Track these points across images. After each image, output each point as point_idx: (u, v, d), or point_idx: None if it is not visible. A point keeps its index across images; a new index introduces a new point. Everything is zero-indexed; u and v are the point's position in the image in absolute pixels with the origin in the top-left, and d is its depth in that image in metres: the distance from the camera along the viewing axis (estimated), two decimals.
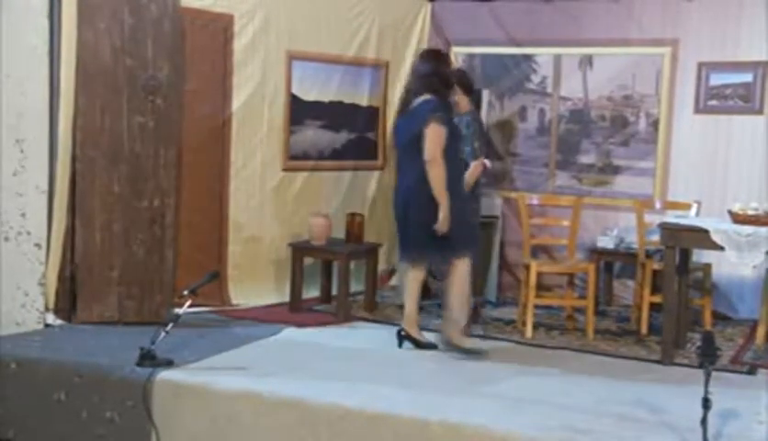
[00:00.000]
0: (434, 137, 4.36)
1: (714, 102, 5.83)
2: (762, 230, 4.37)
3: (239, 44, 5.45)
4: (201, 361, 4.21)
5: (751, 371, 4.54)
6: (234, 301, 5.50)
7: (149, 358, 4.04)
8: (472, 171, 4.99)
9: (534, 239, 5.53)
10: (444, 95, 4.50)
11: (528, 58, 6.37)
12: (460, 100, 5.10)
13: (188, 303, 4.23)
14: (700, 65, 5.82)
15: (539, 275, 5.24)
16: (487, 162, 6.07)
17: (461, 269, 4.56)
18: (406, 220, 4.55)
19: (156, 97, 4.79)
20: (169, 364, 4.07)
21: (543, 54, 6.34)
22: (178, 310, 4.25)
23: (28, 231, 4.62)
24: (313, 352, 4.62)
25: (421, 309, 5.20)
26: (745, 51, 5.69)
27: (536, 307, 5.26)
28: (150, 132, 4.81)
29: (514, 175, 6.48)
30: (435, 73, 4.49)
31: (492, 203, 6.17)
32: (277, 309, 5.51)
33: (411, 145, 4.47)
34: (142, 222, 4.83)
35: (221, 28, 5.33)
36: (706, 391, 3.26)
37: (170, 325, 4.13)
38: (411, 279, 4.67)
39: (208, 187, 5.41)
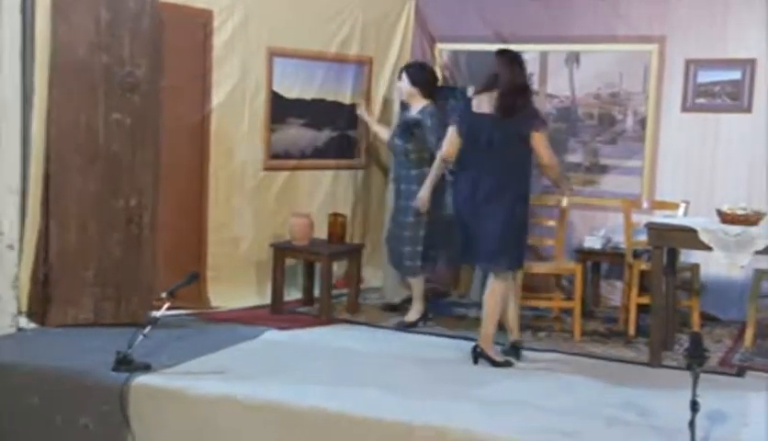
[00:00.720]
0: (546, 143, 4.50)
1: (702, 100, 5.86)
2: (751, 229, 4.40)
3: (218, 40, 5.43)
4: (180, 365, 4.20)
5: (740, 373, 4.58)
6: (214, 303, 5.48)
7: (125, 362, 4.02)
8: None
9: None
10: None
11: None
12: (413, 93, 5.34)
13: (167, 305, 4.22)
14: (688, 62, 5.85)
15: (525, 275, 5.24)
16: None
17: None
18: (505, 223, 4.44)
19: (134, 94, 4.77)
20: (146, 368, 4.05)
21: (529, 51, 6.32)
22: (156, 313, 4.24)
23: (1, 232, 4.57)
24: (295, 354, 4.61)
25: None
26: (734, 48, 5.72)
27: (523, 308, 5.25)
28: (127, 130, 4.78)
29: None
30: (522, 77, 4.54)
31: None
32: (258, 311, 5.50)
33: (506, 146, 4.43)
34: (119, 222, 4.81)
35: (201, 23, 5.31)
36: (695, 394, 3.27)
37: (148, 328, 4.12)
38: (496, 293, 4.50)
39: (187, 186, 5.39)
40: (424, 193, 5.17)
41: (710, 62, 5.79)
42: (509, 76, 4.46)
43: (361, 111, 5.96)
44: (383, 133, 5.82)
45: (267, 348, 4.72)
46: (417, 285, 5.43)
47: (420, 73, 5.43)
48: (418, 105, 5.34)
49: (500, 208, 4.42)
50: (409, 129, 5.33)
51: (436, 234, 5.38)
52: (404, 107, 5.67)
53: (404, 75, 5.41)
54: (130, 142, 4.80)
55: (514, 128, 4.44)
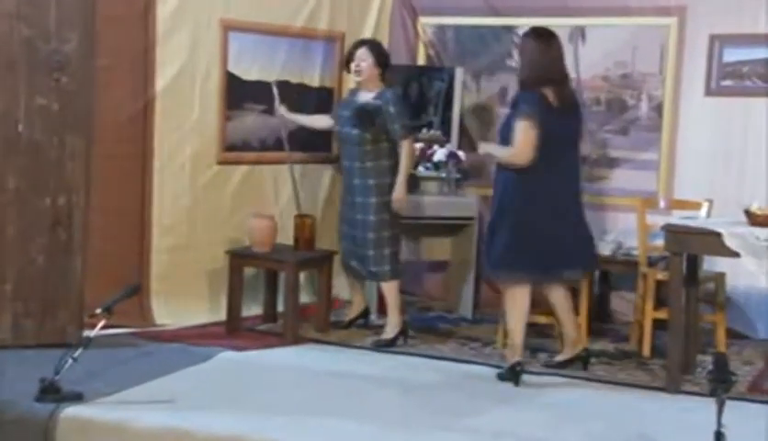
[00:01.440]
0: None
1: (728, 82, 5.87)
2: None
3: (163, 11, 5.40)
4: (118, 394, 4.18)
5: None
6: (159, 321, 5.47)
7: (52, 391, 3.98)
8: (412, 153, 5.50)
9: None
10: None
11: (510, 30, 6.37)
12: (374, 74, 5.39)
13: (102, 323, 4.19)
14: (712, 38, 5.86)
15: None
16: (460, 153, 6.10)
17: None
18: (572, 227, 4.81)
19: (61, 75, 4.72)
20: (77, 398, 4.01)
21: (527, 26, 6.29)
22: (89, 332, 4.21)
23: None
24: (254, 380, 4.60)
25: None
26: (765, 22, 5.73)
27: None
28: (54, 117, 4.74)
29: (494, 170, 6.45)
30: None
31: (468, 203, 6.16)
32: (212, 329, 5.48)
33: (571, 141, 4.81)
34: (44, 224, 4.77)
35: None
36: (720, 424, 3.26)
37: (78, 350, 4.08)
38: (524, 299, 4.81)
39: (127, 183, 5.36)
40: (402, 193, 5.30)
41: (738, 37, 5.80)
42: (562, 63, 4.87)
43: (283, 112, 5.83)
44: (321, 122, 5.85)
45: (222, 373, 4.70)
46: (391, 293, 5.43)
47: (384, 53, 5.51)
48: (374, 89, 5.38)
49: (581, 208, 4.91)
50: (368, 116, 5.34)
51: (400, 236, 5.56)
52: (352, 91, 5.66)
53: (367, 53, 5.38)
54: (58, 132, 4.75)
55: (576, 121, 4.85)
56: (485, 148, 4.95)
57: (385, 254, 5.39)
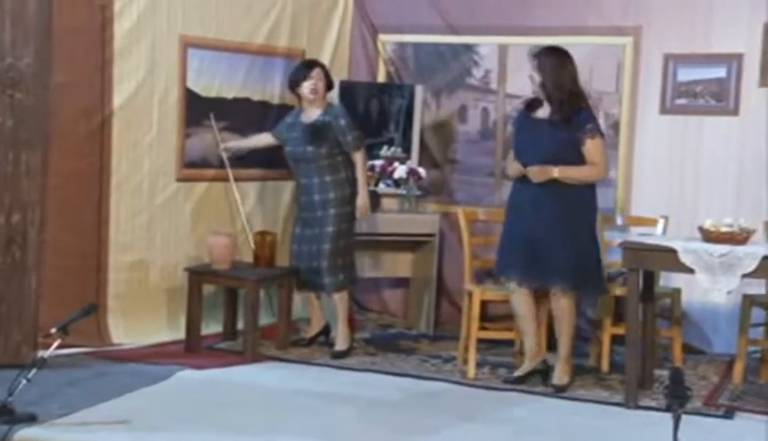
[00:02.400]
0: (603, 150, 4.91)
1: (683, 100, 5.93)
2: (738, 249, 4.44)
3: (121, 27, 5.36)
4: (73, 415, 4.12)
5: (728, 414, 4.61)
6: (116, 340, 5.41)
7: (5, 413, 3.91)
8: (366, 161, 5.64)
9: (477, 261, 5.52)
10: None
11: (469, 48, 6.40)
12: (323, 94, 5.55)
13: (57, 343, 4.13)
14: (667, 58, 5.92)
15: (483, 303, 5.24)
16: (421, 170, 6.11)
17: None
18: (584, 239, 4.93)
19: (16, 91, 4.66)
20: (31, 419, 3.95)
21: (486, 44, 6.37)
22: (44, 352, 4.14)
23: None
24: (213, 399, 4.54)
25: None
26: (718, 42, 5.81)
27: (480, 341, 5.25)
28: (8, 134, 4.68)
29: (454, 187, 6.49)
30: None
31: (428, 219, 6.17)
32: (170, 348, 5.44)
33: (569, 152, 4.82)
34: None
35: (98, 6, 5.24)
36: (675, 438, 3.26)
37: (32, 371, 4.02)
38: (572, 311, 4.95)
39: (83, 201, 5.31)
40: (366, 199, 5.53)
41: (692, 57, 5.87)
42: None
43: (223, 151, 5.84)
44: (265, 140, 5.86)
45: (181, 392, 4.65)
46: (342, 304, 5.53)
47: (329, 73, 5.68)
48: (320, 107, 5.51)
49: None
50: (319, 132, 5.45)
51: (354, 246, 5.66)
52: (293, 112, 5.73)
53: (322, 73, 5.53)
54: (12, 148, 4.68)
55: (569, 134, 4.83)
56: (564, 172, 4.77)
57: (338, 264, 5.49)
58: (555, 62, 4.85)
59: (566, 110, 4.79)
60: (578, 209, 4.87)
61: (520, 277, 4.91)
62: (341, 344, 5.49)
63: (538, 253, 4.83)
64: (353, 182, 5.50)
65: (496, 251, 5.08)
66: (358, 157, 5.50)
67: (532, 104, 4.97)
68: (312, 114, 5.50)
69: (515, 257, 4.91)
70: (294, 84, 5.55)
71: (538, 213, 4.82)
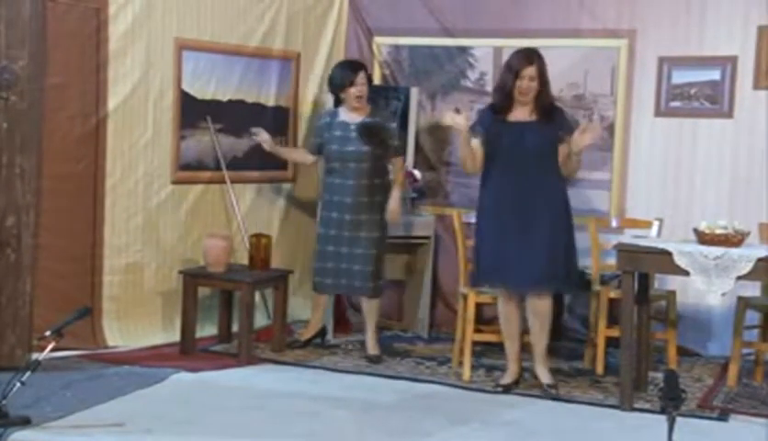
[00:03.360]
0: None
1: (677, 103, 5.93)
2: (733, 251, 4.44)
3: (116, 29, 5.36)
4: (68, 417, 4.11)
5: (723, 417, 4.60)
6: (111, 343, 5.40)
7: None
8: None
9: (472, 263, 5.50)
10: None
11: (464, 51, 6.39)
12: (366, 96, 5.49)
13: (51, 346, 4.12)
14: (661, 60, 5.93)
15: (478, 306, 5.23)
16: (416, 172, 6.10)
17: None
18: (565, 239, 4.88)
19: (10, 94, 4.65)
20: (25, 422, 3.94)
21: (481, 46, 6.36)
22: (38, 355, 4.12)
23: None
24: (208, 402, 4.54)
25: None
26: (712, 45, 5.81)
27: (475, 344, 5.24)
28: (2, 136, 4.67)
29: (449, 189, 6.48)
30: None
31: (424, 222, 6.16)
32: (165, 350, 5.44)
33: (550, 152, 4.85)
34: None
35: (93, 9, 5.24)
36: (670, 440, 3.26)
37: (27, 374, 4.00)
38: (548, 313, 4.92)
39: (78, 204, 5.30)
40: (399, 205, 5.51)
41: (686, 60, 5.87)
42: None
43: (267, 144, 5.74)
44: (301, 157, 5.88)
45: (176, 395, 4.63)
46: (376, 309, 5.57)
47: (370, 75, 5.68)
48: (364, 108, 5.48)
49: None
50: (372, 133, 5.40)
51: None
52: (331, 112, 5.65)
53: (366, 77, 5.47)
54: (6, 151, 4.67)
55: (553, 131, 4.87)
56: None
57: (378, 269, 5.49)
58: (544, 65, 4.86)
59: (551, 111, 4.86)
60: (561, 203, 4.86)
61: (511, 284, 4.87)
62: (374, 348, 5.48)
63: (525, 254, 4.77)
64: (387, 188, 5.47)
65: (475, 256, 5.00)
66: (400, 162, 5.56)
67: (499, 107, 4.88)
68: (357, 115, 5.46)
69: (502, 261, 4.82)
70: (339, 88, 5.45)
71: (524, 211, 4.79)
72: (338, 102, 5.56)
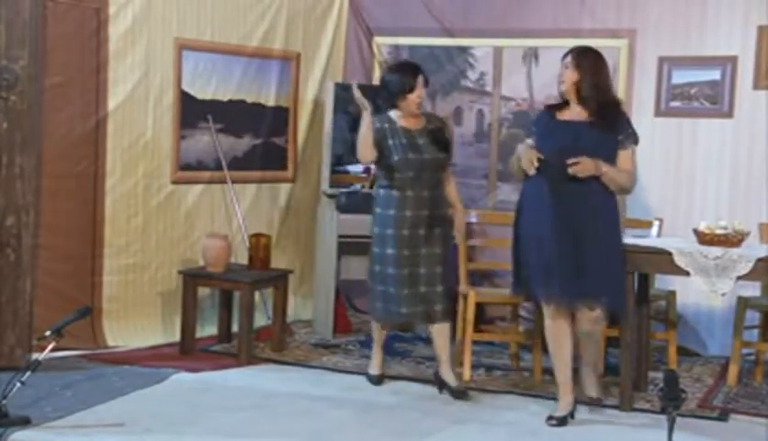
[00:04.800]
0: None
1: (677, 103, 5.93)
2: (733, 251, 4.43)
3: (116, 30, 5.36)
4: (68, 417, 4.11)
5: (723, 416, 4.60)
6: (111, 343, 5.40)
7: None
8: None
9: (472, 263, 5.51)
10: None
11: (464, 51, 6.40)
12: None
13: (51, 346, 4.12)
14: (661, 60, 5.93)
15: (478, 306, 5.22)
16: None
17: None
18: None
19: (10, 94, 4.66)
20: (25, 422, 3.94)
21: (481, 46, 6.37)
22: (38, 355, 4.12)
23: None
24: (208, 402, 4.53)
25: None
26: (712, 44, 5.81)
27: (475, 343, 5.24)
28: (2, 136, 4.67)
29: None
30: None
31: None
32: (165, 350, 5.44)
33: (608, 157, 4.39)
34: None
35: (93, 9, 5.24)
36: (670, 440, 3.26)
37: (27, 374, 4.00)
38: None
39: (78, 203, 5.30)
40: (463, 218, 5.00)
41: (686, 60, 5.87)
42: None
43: (368, 111, 4.79)
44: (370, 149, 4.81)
45: (175, 395, 4.62)
46: (447, 335, 4.86)
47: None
48: (419, 115, 4.88)
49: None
50: (444, 140, 4.89)
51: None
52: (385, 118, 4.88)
53: (423, 79, 4.84)
54: (6, 151, 4.68)
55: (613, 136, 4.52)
56: (608, 170, 4.35)
57: (445, 291, 4.83)
58: (593, 62, 4.44)
59: (609, 114, 4.41)
60: (608, 215, 4.42)
61: (557, 298, 4.42)
62: (457, 378, 4.87)
63: (576, 269, 4.35)
64: (446, 198, 4.90)
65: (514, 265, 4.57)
66: (451, 171, 5.00)
67: (554, 106, 4.56)
68: (416, 121, 4.84)
69: (546, 274, 4.39)
70: (399, 95, 4.78)
71: (572, 223, 4.36)
72: (390, 106, 4.85)
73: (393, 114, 4.84)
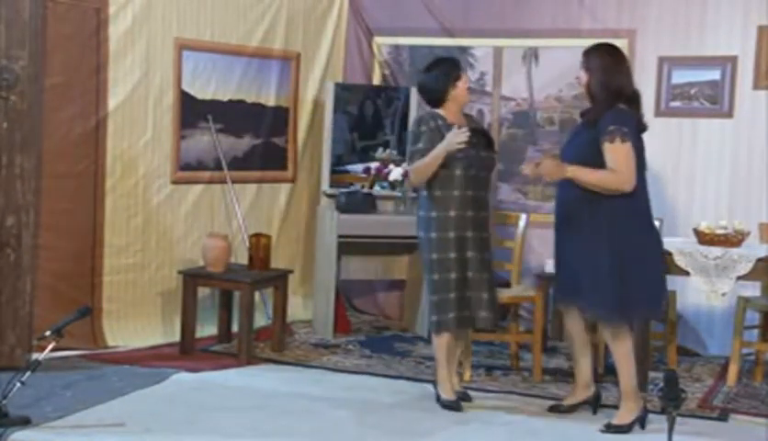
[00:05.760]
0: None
1: (677, 103, 5.94)
2: (732, 251, 4.44)
3: (116, 30, 5.37)
4: (68, 417, 4.11)
5: (723, 417, 4.60)
6: (111, 343, 5.40)
7: None
8: None
9: None
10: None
11: (464, 51, 6.40)
12: None
13: (51, 346, 4.12)
14: (661, 60, 5.93)
15: None
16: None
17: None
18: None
19: (10, 94, 4.65)
20: (25, 422, 3.94)
21: (481, 46, 6.37)
22: (38, 355, 4.12)
23: None
24: (208, 402, 4.53)
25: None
26: (712, 44, 5.82)
27: (475, 343, 5.23)
28: (2, 136, 4.67)
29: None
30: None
31: None
32: (165, 350, 5.44)
33: (591, 156, 4.23)
34: None
35: (93, 9, 5.24)
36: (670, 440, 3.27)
37: (27, 374, 4.00)
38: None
39: (78, 203, 5.30)
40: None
41: (686, 59, 5.88)
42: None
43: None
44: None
45: (175, 395, 4.62)
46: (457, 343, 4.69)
47: None
48: (458, 113, 4.66)
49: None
50: (489, 137, 4.70)
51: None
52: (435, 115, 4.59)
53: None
54: (6, 151, 4.67)
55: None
56: (573, 172, 4.20)
57: (492, 297, 4.62)
58: (600, 60, 4.29)
59: (597, 111, 4.25)
60: (588, 218, 4.24)
61: (559, 295, 4.53)
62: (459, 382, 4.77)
63: (567, 270, 4.35)
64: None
65: None
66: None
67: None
68: (460, 120, 4.58)
69: (557, 273, 4.46)
70: (449, 85, 4.53)
71: (563, 224, 4.36)
72: (436, 105, 4.58)
73: (441, 111, 4.57)
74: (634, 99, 4.32)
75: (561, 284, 4.44)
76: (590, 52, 4.37)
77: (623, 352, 4.29)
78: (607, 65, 4.29)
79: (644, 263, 4.20)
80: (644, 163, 4.31)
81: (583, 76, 4.33)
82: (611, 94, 4.25)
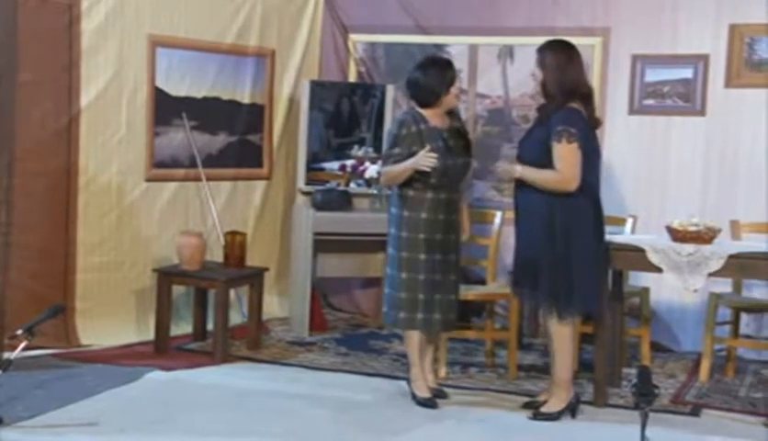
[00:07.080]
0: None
1: (650, 101, 5.97)
2: (705, 248, 4.47)
3: (88, 26, 5.32)
4: (40, 417, 4.09)
5: (695, 412, 4.63)
6: (84, 341, 5.36)
7: None
8: None
9: None
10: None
11: (439, 48, 6.39)
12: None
13: (23, 345, 4.09)
14: (635, 59, 5.96)
15: (463, 303, 5.22)
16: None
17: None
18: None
19: None
20: None
21: (456, 44, 6.37)
22: (9, 354, 4.10)
23: None
24: (183, 401, 4.52)
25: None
26: (685, 43, 5.85)
27: (450, 340, 5.24)
28: None
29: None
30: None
31: None
32: (139, 349, 5.41)
33: (599, 161, 4.44)
34: None
35: (65, 5, 5.20)
36: (644, 436, 3.29)
37: None
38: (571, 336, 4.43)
39: (50, 201, 5.26)
40: (468, 223, 4.86)
41: (659, 58, 5.91)
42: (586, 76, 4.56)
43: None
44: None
45: (150, 394, 4.61)
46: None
47: None
48: (444, 114, 4.63)
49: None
50: (467, 139, 4.68)
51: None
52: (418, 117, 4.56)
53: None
54: None
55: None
56: (521, 172, 4.31)
57: (457, 298, 4.70)
58: (559, 59, 4.31)
59: (550, 108, 4.29)
60: (542, 216, 4.32)
61: (511, 283, 4.64)
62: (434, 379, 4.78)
63: (518, 259, 4.47)
64: None
65: None
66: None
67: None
68: (442, 120, 4.57)
69: (513, 261, 4.55)
70: (444, 90, 4.51)
71: (518, 216, 4.47)
72: (425, 105, 4.54)
73: (425, 113, 4.53)
74: (588, 97, 4.36)
75: (514, 272, 4.56)
76: (544, 50, 4.41)
77: (562, 341, 4.40)
78: (561, 63, 4.33)
79: (581, 261, 4.33)
80: (596, 162, 4.42)
81: (538, 74, 4.37)
82: (565, 91, 4.29)
